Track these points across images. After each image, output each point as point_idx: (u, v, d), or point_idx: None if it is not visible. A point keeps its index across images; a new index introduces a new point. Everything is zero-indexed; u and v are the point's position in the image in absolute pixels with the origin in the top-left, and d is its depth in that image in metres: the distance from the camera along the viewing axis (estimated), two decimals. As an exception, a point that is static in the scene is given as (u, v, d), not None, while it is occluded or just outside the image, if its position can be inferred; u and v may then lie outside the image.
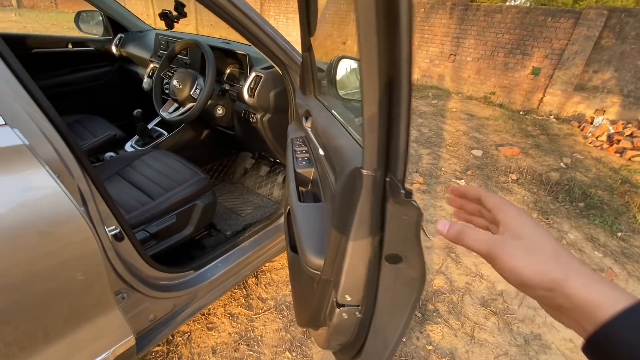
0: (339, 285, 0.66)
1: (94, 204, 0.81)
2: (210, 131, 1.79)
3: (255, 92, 1.32)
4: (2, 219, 0.60)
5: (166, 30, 1.56)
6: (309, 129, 0.96)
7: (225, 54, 1.49)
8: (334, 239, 0.64)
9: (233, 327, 1.48)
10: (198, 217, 1.30)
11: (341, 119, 0.81)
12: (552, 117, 5.15)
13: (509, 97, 5.72)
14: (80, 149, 0.76)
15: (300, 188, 0.99)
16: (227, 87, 1.42)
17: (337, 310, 0.71)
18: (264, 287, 1.69)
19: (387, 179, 0.47)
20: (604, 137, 4.19)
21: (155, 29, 2.09)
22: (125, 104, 2.10)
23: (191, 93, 1.33)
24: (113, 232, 0.86)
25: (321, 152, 0.83)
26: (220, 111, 1.44)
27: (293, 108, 1.37)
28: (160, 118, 1.78)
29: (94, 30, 2.00)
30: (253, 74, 1.34)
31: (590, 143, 4.20)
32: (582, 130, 4.65)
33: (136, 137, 1.66)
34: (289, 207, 1.39)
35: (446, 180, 2.97)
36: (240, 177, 2.03)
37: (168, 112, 1.43)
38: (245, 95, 1.35)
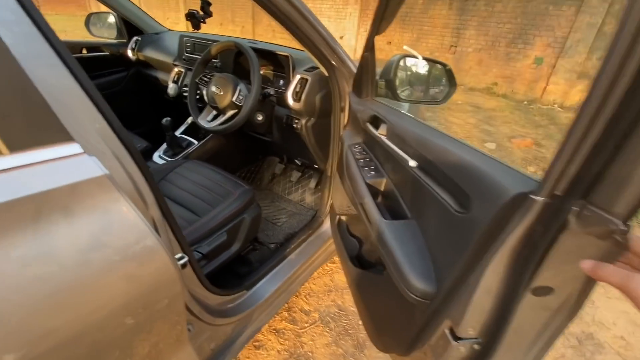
0: (462, 318, 0.60)
1: (166, 233, 0.73)
2: (239, 137, 1.70)
3: (302, 96, 1.23)
4: (89, 266, 0.51)
5: (193, 31, 1.46)
6: (383, 137, 0.89)
7: (261, 55, 1.39)
8: (463, 268, 0.57)
9: (281, 344, 1.41)
10: (246, 232, 1.22)
11: (444, 131, 0.74)
12: (556, 106, 5.16)
13: (511, 88, 5.71)
14: (151, 173, 0.67)
15: None
16: (271, 91, 1.33)
17: (453, 343, 0.64)
18: (304, 299, 1.62)
19: (575, 208, 0.40)
20: (612, 125, 4.20)
21: (170, 30, 1.98)
22: (143, 112, 1.98)
23: (234, 100, 1.23)
24: (182, 261, 0.78)
25: (411, 163, 0.75)
26: (260, 117, 1.34)
27: (337, 112, 1.29)
28: (186, 125, 1.68)
29: (106, 34, 1.88)
30: (298, 77, 1.25)
31: (598, 131, 4.21)
32: (588, 118, 4.67)
33: (164, 147, 1.56)
34: (338, 216, 1.32)
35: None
36: (268, 183, 1.94)
37: (207, 120, 1.33)
38: (290, 100, 1.26)
